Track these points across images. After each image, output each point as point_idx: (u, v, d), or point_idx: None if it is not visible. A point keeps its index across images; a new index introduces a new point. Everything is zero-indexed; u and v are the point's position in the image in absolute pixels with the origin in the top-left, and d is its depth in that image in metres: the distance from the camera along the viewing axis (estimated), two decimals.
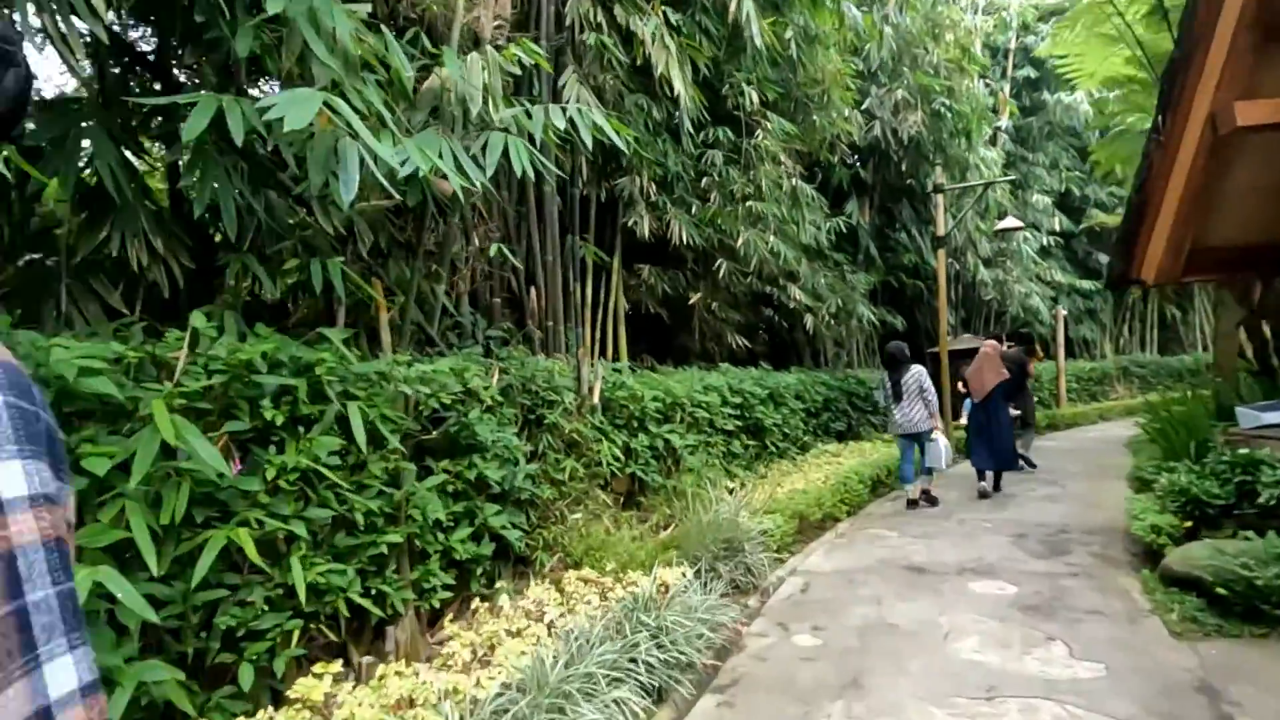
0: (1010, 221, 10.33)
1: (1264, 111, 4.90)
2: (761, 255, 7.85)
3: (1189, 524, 4.50)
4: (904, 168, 11.86)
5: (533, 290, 5.95)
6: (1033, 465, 9.39)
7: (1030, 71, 16.37)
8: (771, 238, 8.01)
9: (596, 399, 5.55)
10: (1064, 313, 16.14)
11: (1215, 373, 9.39)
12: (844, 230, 10.76)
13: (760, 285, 9.68)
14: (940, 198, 10.81)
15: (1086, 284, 17.41)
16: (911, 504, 7.29)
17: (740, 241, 7.55)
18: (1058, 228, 16.46)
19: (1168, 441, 6.55)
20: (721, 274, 8.00)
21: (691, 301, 8.18)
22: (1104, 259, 18.50)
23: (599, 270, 7.03)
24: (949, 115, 11.13)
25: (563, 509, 4.91)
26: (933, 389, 7.20)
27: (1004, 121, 15.06)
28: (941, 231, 10.81)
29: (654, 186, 6.98)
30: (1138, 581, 4.53)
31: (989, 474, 7.82)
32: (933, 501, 7.40)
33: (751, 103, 7.53)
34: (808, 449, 9.73)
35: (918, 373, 7.15)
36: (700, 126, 7.62)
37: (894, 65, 11.46)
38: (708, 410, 6.89)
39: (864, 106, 11.35)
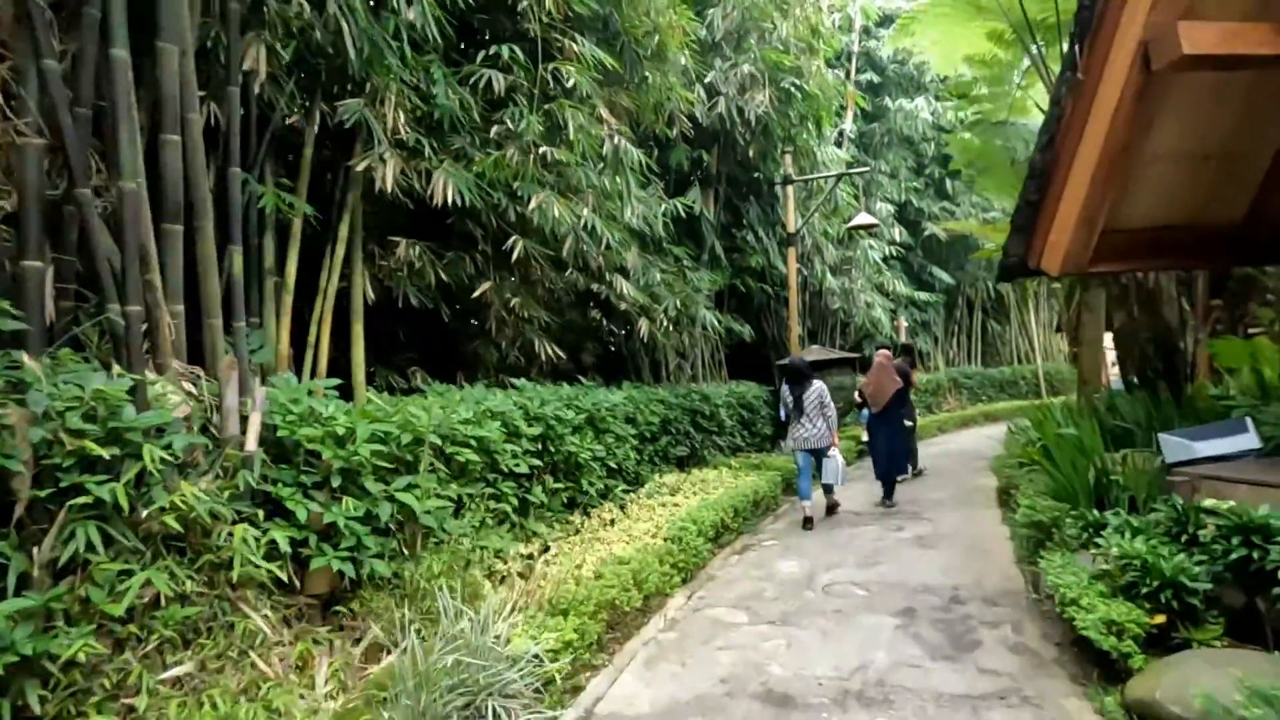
0: (864, 218, 9.24)
1: (1214, 38, 3.62)
2: (571, 230, 5.85)
3: (1160, 619, 3.01)
4: (751, 155, 10.51)
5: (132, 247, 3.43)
6: (917, 472, 9.34)
7: (873, 76, 16.05)
8: (586, 212, 6.04)
9: (253, 443, 3.19)
10: (905, 324, 15.80)
11: (1082, 384, 8.80)
12: (683, 217, 9.10)
13: (584, 280, 7.71)
14: (790, 190, 9.52)
15: (923, 295, 17.37)
16: (808, 525, 6.92)
17: (533, 206, 5.48)
18: (898, 238, 16.20)
19: (1059, 471, 5.34)
20: (517, 257, 5.88)
21: (477, 293, 5.99)
22: (938, 272, 18.71)
23: (317, 236, 4.65)
24: (798, 97, 9.90)
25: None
26: (833, 405, 7.13)
27: (849, 124, 14.48)
28: (791, 228, 9.51)
29: (408, 120, 4.72)
30: (1092, 710, 2.99)
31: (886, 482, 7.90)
32: (834, 509, 7.40)
33: (548, 11, 5.48)
34: (642, 482, 7.86)
35: (819, 389, 7.07)
36: (473, 37, 5.47)
37: (739, 38, 10.07)
38: (483, 447, 4.72)
39: (707, 80, 9.84)
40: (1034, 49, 7.21)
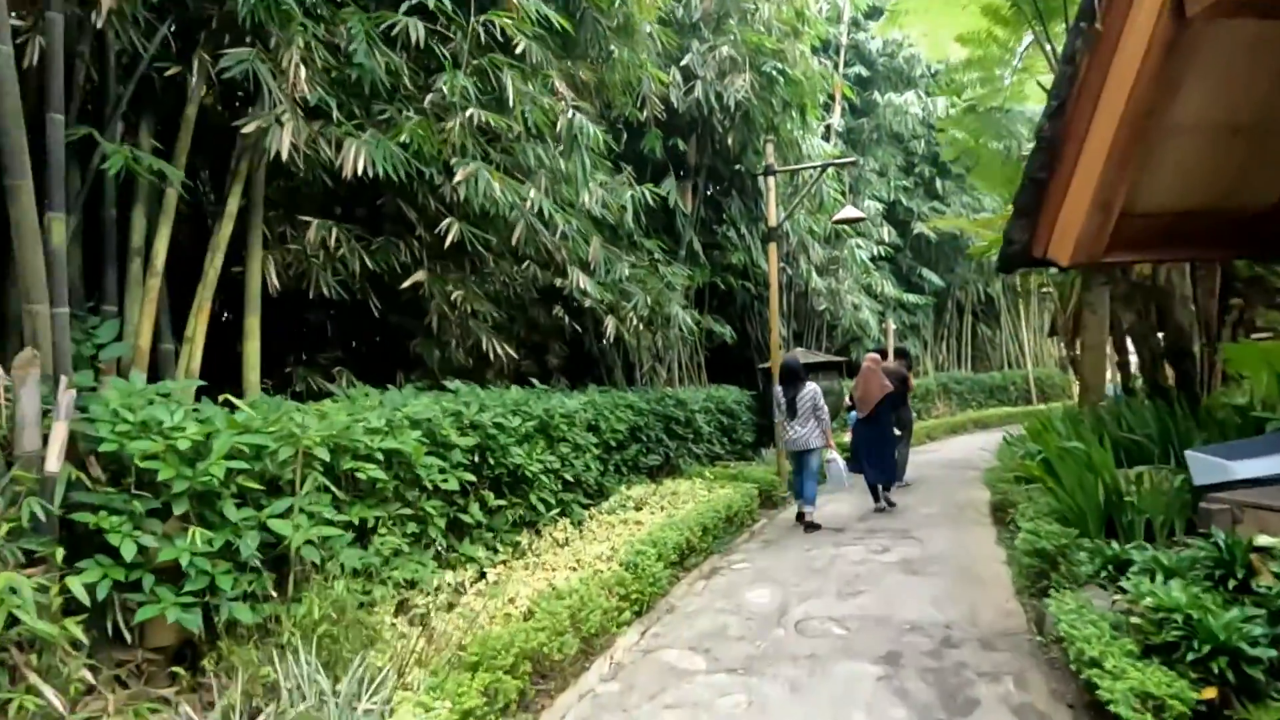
0: (851, 211, 8.63)
1: None
2: (520, 216, 5.17)
3: (1210, 693, 2.37)
4: (731, 144, 9.87)
5: None
6: (904, 482, 8.91)
7: (861, 70, 15.48)
8: (533, 193, 5.37)
9: (56, 461, 2.49)
10: (893, 327, 15.22)
11: (1084, 391, 8.21)
12: (656, 209, 8.43)
13: (545, 275, 7.03)
14: (772, 182, 8.89)
15: (912, 298, 16.81)
16: (810, 527, 6.88)
17: (460, 179, 4.79)
18: (887, 238, 15.63)
19: (1064, 490, 4.72)
20: (452, 242, 5.18)
21: (408, 284, 5.30)
22: (928, 274, 18.16)
23: (204, 212, 3.95)
24: (781, 82, 9.28)
25: None
26: (826, 407, 7.06)
27: (836, 118, 13.92)
28: (773, 221, 8.87)
29: (319, 79, 4.04)
30: None
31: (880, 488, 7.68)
32: (811, 527, 6.90)
33: None
34: (606, 495, 7.21)
35: (813, 391, 7.03)
36: None
37: (719, 20, 9.44)
38: (400, 461, 4.04)
39: (684, 63, 9.20)
40: (1035, 23, 6.63)
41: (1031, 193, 3.94)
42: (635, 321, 7.88)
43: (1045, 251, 3.99)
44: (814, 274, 13.31)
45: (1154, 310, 6.28)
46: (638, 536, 5.40)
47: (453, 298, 5.63)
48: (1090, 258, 3.91)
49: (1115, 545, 3.41)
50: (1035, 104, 8.77)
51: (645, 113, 8.01)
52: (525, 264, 6.69)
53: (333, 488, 3.43)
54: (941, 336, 20.60)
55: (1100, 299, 7.30)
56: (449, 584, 4.26)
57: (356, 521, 3.63)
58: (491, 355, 6.07)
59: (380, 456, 3.78)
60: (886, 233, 15.74)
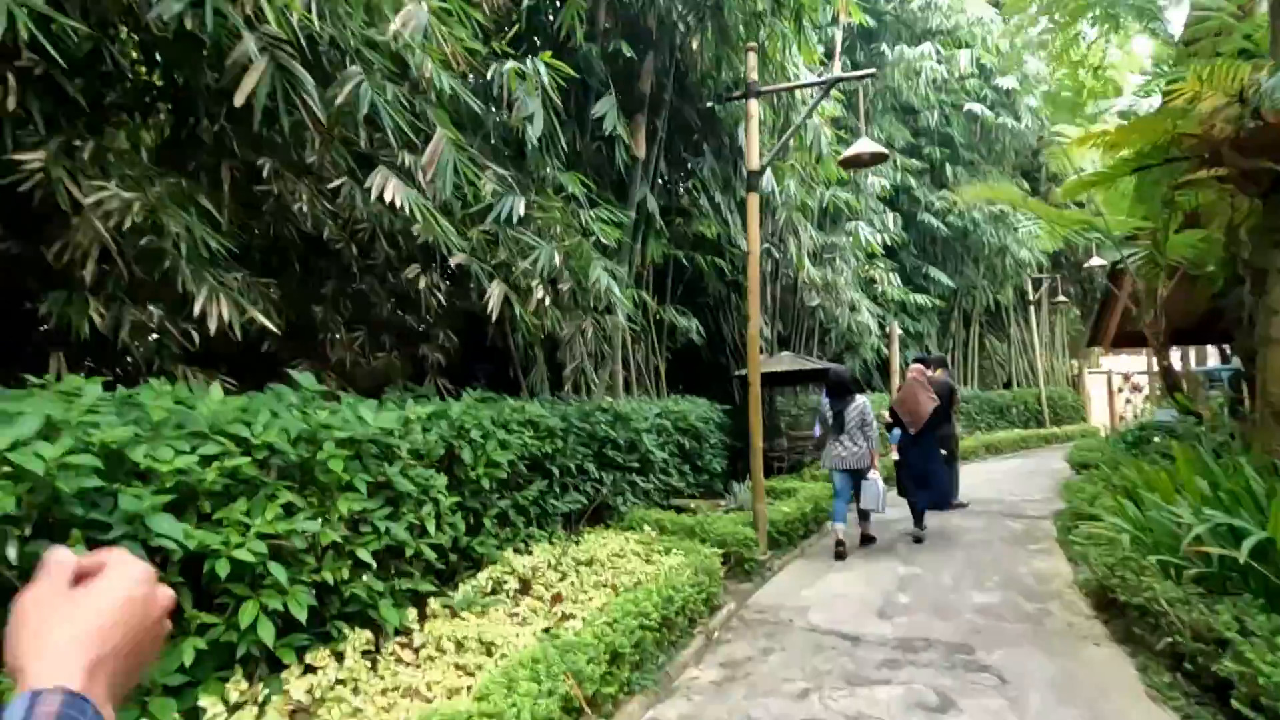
0: (866, 144, 5.94)
1: None
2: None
3: None
4: (700, 62, 7.19)
5: None
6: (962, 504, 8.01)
7: (868, 17, 12.92)
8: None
9: None
10: (899, 331, 12.61)
11: (1263, 413, 5.45)
12: (583, 137, 5.69)
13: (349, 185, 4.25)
14: (754, 108, 6.21)
15: (919, 298, 14.21)
16: (840, 553, 6.04)
17: None
18: (891, 226, 13.06)
19: None
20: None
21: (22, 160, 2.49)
22: (936, 273, 15.62)
23: None
24: None
25: None
26: (875, 423, 6.42)
27: (836, 71, 11.29)
28: (754, 164, 6.18)
29: None
30: None
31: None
32: (869, 540, 6.48)
33: None
34: (479, 564, 4.46)
35: (862, 404, 6.35)
36: None
37: None
38: None
39: None
40: None
41: None
42: (540, 291, 5.11)
43: None
44: (806, 261, 10.65)
45: None
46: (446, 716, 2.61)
47: (112, 206, 2.82)
48: None
49: None
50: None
51: None
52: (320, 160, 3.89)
53: None
54: (947, 349, 18.04)
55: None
56: None
57: None
58: (224, 321, 3.25)
59: None
60: (891, 220, 13.16)
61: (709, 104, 8.26)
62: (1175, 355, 22.91)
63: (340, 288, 5.34)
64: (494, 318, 4.73)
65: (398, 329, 6.18)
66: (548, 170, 5.53)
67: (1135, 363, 24.58)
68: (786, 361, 9.89)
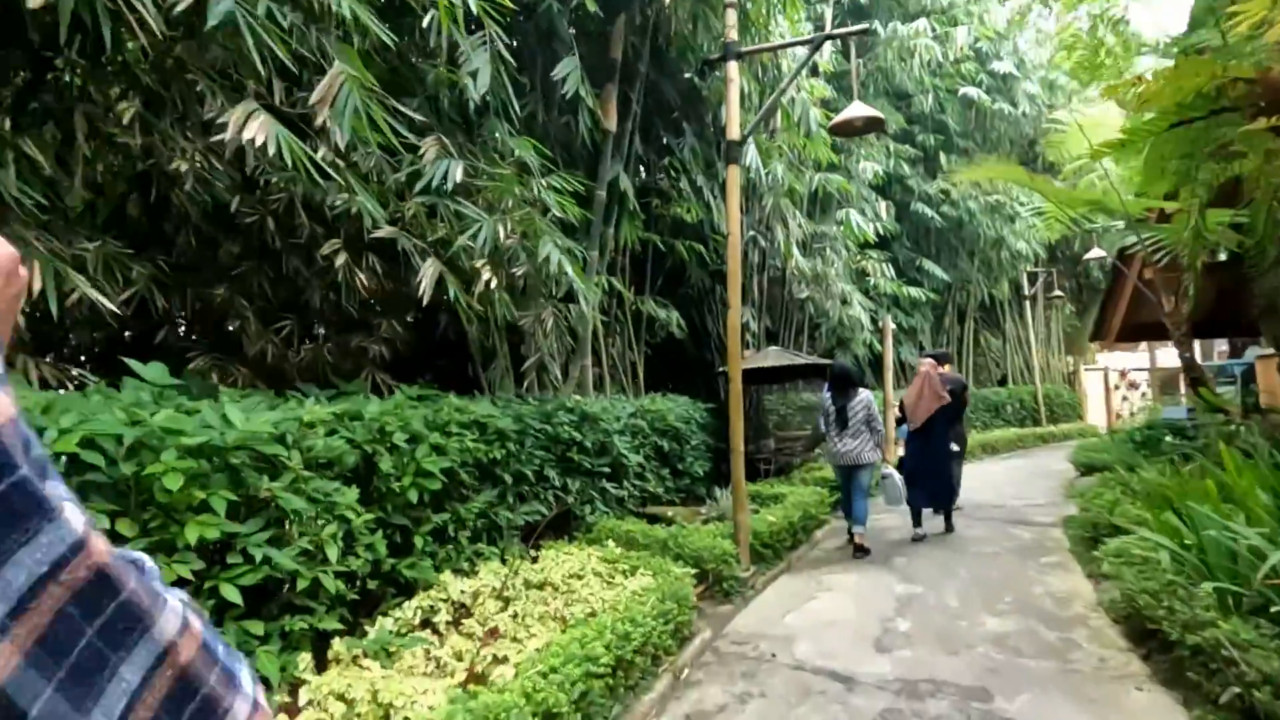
0: (860, 109, 5.30)
1: None
2: None
3: None
4: (677, 21, 6.51)
5: None
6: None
7: None
8: None
9: None
10: (892, 325, 11.99)
11: None
12: (533, 102, 5.00)
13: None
14: (735, 70, 5.56)
15: (913, 292, 13.58)
16: (860, 550, 5.98)
17: None
18: (884, 215, 12.42)
19: None
20: None
21: None
22: (930, 266, 15.02)
23: None
24: None
25: None
26: (880, 418, 6.31)
27: (827, 44, 10.64)
28: (735, 133, 5.53)
29: None
30: None
31: (927, 513, 6.66)
32: (861, 552, 5.99)
33: None
34: (411, 589, 3.81)
35: (867, 400, 6.19)
36: None
37: None
38: None
39: None
40: None
41: None
42: (488, 274, 4.43)
43: None
44: (795, 250, 10.01)
45: None
46: None
47: None
48: None
49: None
50: None
51: None
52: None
53: None
54: (941, 344, 17.44)
55: None
56: None
57: None
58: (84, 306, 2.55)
59: None
60: (884, 209, 12.52)
61: (688, 76, 7.59)
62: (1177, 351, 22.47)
63: (258, 268, 4.65)
64: (424, 302, 4.04)
65: (335, 319, 5.50)
66: (498, 135, 4.83)
67: (1130, 359, 24.14)
68: (773, 357, 9.24)
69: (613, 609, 3.68)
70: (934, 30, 11.48)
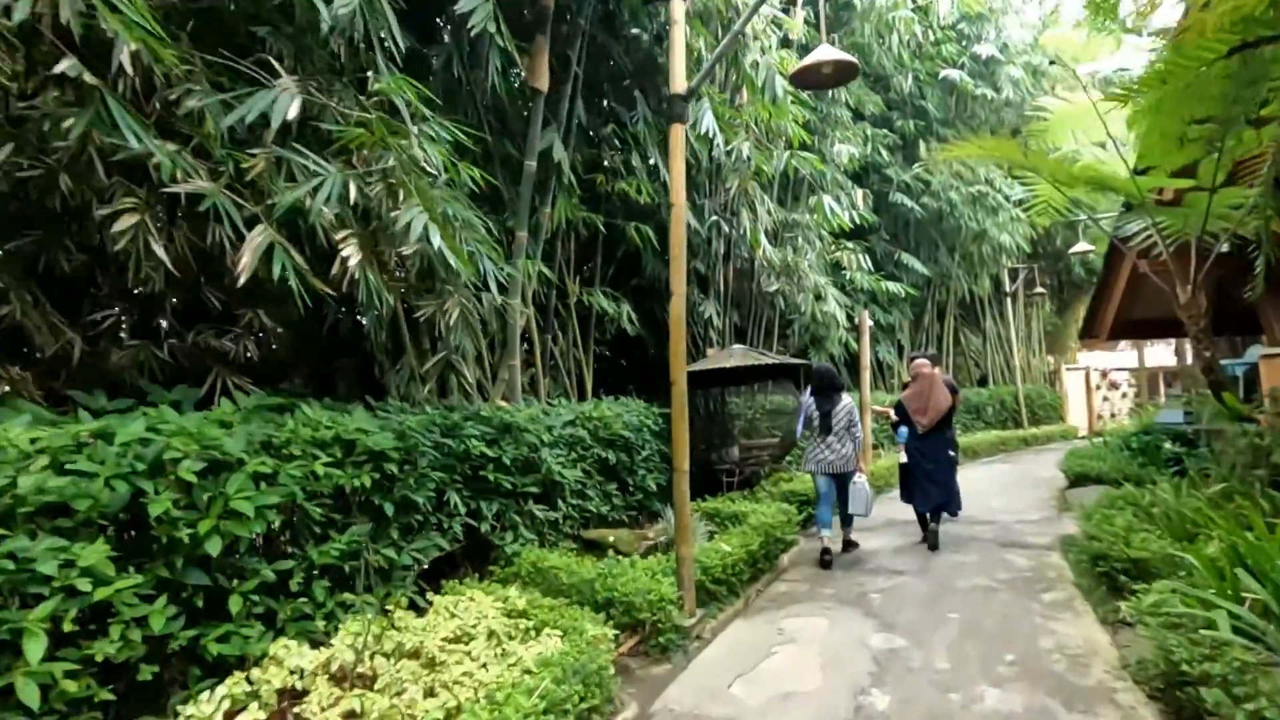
0: (826, 52, 4.35)
1: None
2: None
3: None
4: None
5: None
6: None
7: None
8: None
9: None
10: (870, 322, 11.12)
11: None
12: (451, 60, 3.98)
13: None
14: (679, 12, 4.59)
15: (892, 286, 12.73)
16: (826, 561, 5.81)
17: None
18: (861, 203, 11.55)
19: None
20: None
21: None
22: (909, 260, 14.22)
23: None
24: None
25: None
26: (860, 424, 6.09)
27: (798, 17, 9.73)
28: (680, 84, 4.56)
29: None
30: None
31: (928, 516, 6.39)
32: (851, 546, 6.24)
33: None
34: (218, 675, 2.75)
35: (849, 406, 6.01)
36: None
37: None
38: None
39: None
40: None
41: None
42: (349, 249, 3.41)
43: None
44: (763, 239, 9.09)
45: None
46: None
47: None
48: None
49: None
50: None
51: None
52: None
53: None
54: (920, 343, 16.66)
55: None
56: None
57: None
58: None
59: None
60: (860, 197, 11.64)
61: (643, 39, 6.60)
62: (1168, 350, 21.91)
63: (41, 245, 3.58)
64: (240, 282, 3.00)
65: (184, 310, 4.44)
66: (369, 74, 3.81)
67: (1111, 359, 23.64)
68: (738, 356, 8.28)
69: (488, 702, 2.69)
70: (913, 1, 10.61)
